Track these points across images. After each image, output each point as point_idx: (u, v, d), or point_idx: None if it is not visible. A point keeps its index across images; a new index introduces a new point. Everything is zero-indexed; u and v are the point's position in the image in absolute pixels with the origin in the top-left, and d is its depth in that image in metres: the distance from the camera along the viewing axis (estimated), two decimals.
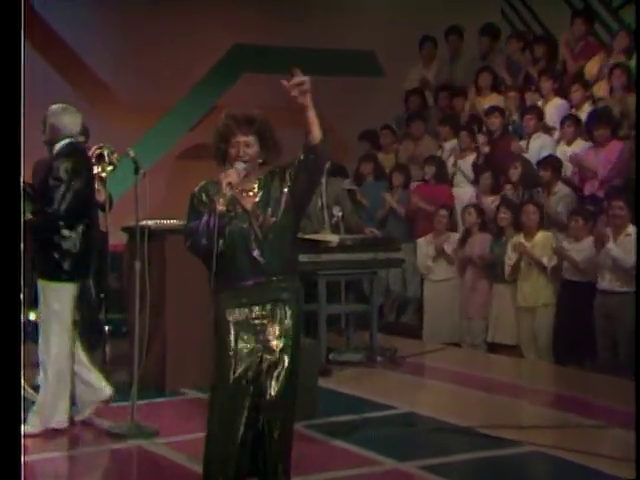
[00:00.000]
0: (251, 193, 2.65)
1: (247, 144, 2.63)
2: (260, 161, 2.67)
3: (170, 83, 7.00)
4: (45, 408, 3.63)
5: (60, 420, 3.66)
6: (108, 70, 6.97)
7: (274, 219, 2.60)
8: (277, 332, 2.59)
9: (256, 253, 2.58)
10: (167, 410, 4.09)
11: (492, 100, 6.47)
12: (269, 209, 2.61)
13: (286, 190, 2.63)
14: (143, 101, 7.02)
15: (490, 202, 5.86)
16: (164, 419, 3.90)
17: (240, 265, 2.59)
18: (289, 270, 2.64)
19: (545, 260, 5.23)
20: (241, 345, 2.57)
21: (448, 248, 5.83)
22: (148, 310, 3.72)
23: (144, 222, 3.87)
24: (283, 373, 2.57)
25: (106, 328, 4.45)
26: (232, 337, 2.59)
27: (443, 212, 5.95)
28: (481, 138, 6.25)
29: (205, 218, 2.55)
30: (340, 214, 5.14)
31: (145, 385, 3.91)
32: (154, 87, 6.98)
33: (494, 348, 5.57)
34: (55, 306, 3.63)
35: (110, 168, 4.26)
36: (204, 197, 2.62)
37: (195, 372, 4.08)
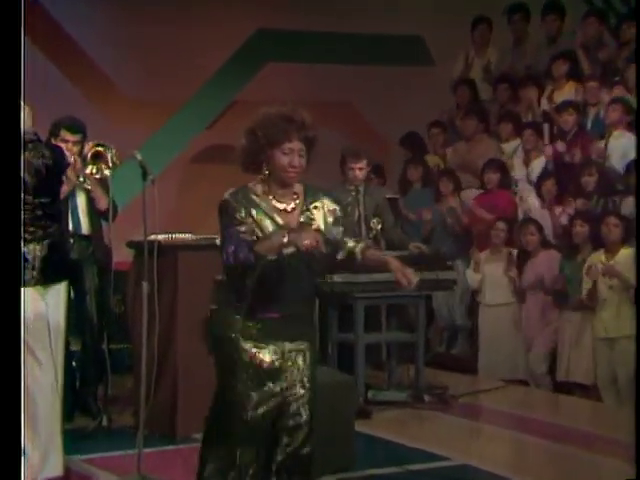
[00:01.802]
0: (289, 208, 2.63)
1: (301, 153, 2.60)
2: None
3: (183, 75, 7.03)
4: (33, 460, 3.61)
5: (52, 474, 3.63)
6: (110, 61, 7.01)
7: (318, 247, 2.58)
8: (298, 373, 2.61)
9: (291, 282, 2.58)
10: (179, 460, 4.02)
11: (566, 93, 6.33)
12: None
13: (328, 225, 2.64)
14: (152, 96, 7.06)
15: (558, 214, 5.76)
16: (175, 471, 3.84)
17: (270, 293, 2.60)
18: (312, 302, 2.69)
19: (632, 281, 5.09)
20: (258, 384, 2.59)
21: (509, 264, 5.73)
22: (157, 339, 3.71)
23: (153, 236, 3.87)
24: (304, 428, 2.55)
25: (108, 360, 4.43)
26: (247, 375, 2.59)
27: (501, 225, 5.87)
28: (550, 138, 6.15)
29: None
30: (379, 227, 5.11)
31: (153, 430, 3.91)
32: (164, 79, 7.01)
33: (565, 387, 5.45)
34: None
35: (108, 172, 4.27)
36: (243, 213, 2.58)
37: None
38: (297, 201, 2.66)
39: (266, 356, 2.61)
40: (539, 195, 5.94)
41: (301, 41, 7.48)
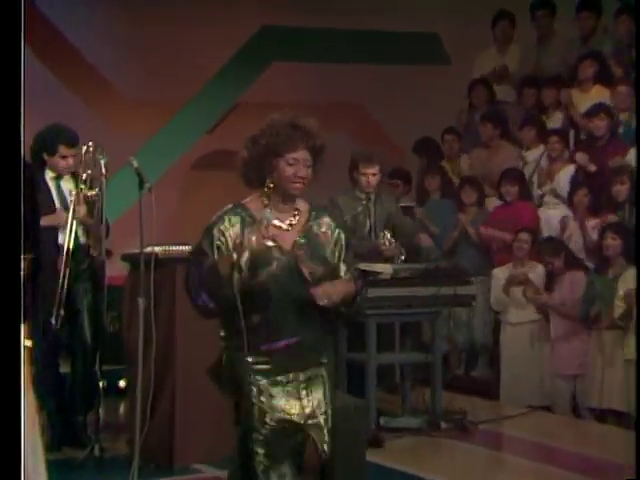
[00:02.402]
0: (285, 225, 2.61)
1: (307, 163, 2.59)
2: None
3: (182, 75, 7.03)
4: None
5: None
6: (107, 61, 7.02)
7: (321, 267, 2.58)
8: (316, 403, 2.60)
9: (285, 308, 2.56)
10: None
11: (593, 96, 6.25)
12: (313, 253, 2.60)
13: (325, 248, 2.65)
14: (150, 98, 7.07)
15: (591, 227, 5.68)
16: None
17: (266, 323, 2.58)
18: (324, 325, 2.65)
19: None
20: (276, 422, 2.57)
21: (534, 279, 5.66)
22: (153, 360, 3.66)
23: (149, 248, 3.86)
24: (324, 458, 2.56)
25: (101, 383, 4.40)
26: (260, 411, 2.59)
27: (524, 236, 5.80)
28: (575, 145, 6.09)
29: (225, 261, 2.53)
30: (392, 239, 5.03)
31: (148, 459, 3.86)
32: (163, 80, 7.03)
33: (596, 414, 5.37)
34: None
35: (92, 192, 4.26)
36: (227, 238, 2.56)
37: (211, 442, 4.03)
38: (296, 219, 2.64)
39: (279, 392, 2.57)
40: (570, 207, 5.85)
41: (308, 39, 7.47)
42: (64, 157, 4.44)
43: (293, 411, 2.59)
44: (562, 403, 5.54)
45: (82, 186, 4.33)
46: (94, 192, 4.31)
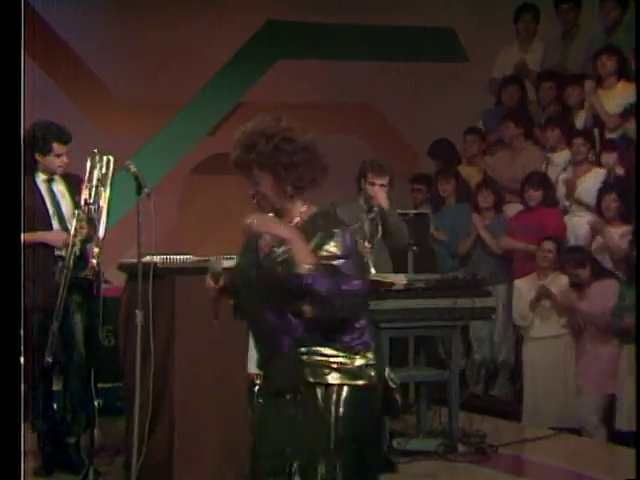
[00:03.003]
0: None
1: (258, 180, 2.65)
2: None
3: (182, 74, 7.05)
4: None
5: None
6: (101, 61, 7.03)
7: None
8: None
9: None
10: None
11: (621, 92, 6.21)
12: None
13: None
14: (147, 98, 7.08)
15: (619, 236, 5.66)
16: None
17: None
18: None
19: None
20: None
21: (557, 293, 5.65)
22: (152, 377, 3.66)
23: (148, 257, 3.87)
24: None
25: (96, 402, 4.39)
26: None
27: (549, 245, 5.79)
28: (601, 146, 6.05)
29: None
30: (369, 247, 4.88)
31: None
32: (161, 80, 7.04)
33: (626, 438, 5.26)
34: None
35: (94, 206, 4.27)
36: None
37: (214, 465, 4.02)
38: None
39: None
40: (599, 213, 5.81)
41: (316, 35, 7.48)
42: (58, 155, 4.40)
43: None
44: (590, 425, 5.50)
45: (85, 199, 4.29)
46: (98, 205, 4.28)
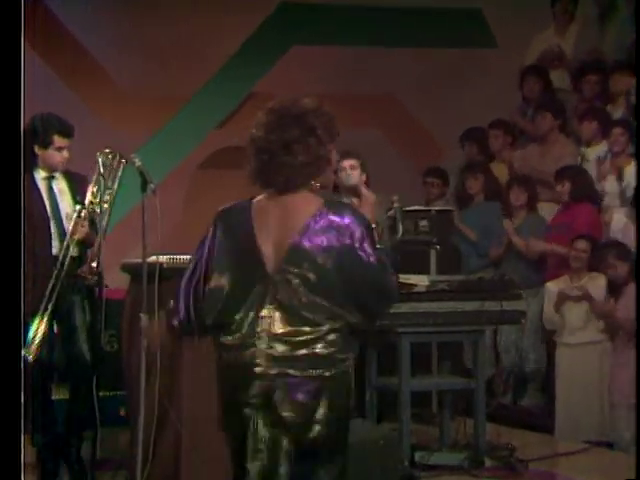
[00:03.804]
0: None
1: None
2: None
3: (190, 64, 7.11)
4: None
5: None
6: (105, 49, 7.08)
7: None
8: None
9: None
10: None
11: None
12: None
13: None
14: (152, 89, 7.15)
15: None
16: None
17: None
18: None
19: None
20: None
21: (595, 294, 5.65)
22: (157, 385, 3.71)
23: (153, 257, 3.90)
24: None
25: (97, 412, 4.44)
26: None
27: (582, 244, 5.78)
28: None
29: None
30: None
31: None
32: (167, 70, 7.10)
33: None
34: None
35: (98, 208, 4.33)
36: None
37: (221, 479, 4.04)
38: None
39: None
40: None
41: (333, 19, 7.49)
42: (59, 149, 4.41)
43: None
44: (626, 438, 5.45)
45: (89, 200, 4.33)
46: (101, 205, 4.33)
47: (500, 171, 6.73)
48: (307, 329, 2.65)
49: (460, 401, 5.22)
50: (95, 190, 4.36)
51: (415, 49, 7.56)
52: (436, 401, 5.36)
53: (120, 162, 4.34)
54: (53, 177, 4.49)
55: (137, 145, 6.38)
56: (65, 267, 4.28)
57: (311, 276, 2.64)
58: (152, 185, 3.73)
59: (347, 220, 2.68)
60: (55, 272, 4.26)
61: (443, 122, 7.35)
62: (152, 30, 7.06)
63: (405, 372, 4.83)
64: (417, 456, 4.88)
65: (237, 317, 2.69)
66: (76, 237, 4.33)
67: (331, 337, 2.66)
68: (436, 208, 5.66)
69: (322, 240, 2.65)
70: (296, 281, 2.64)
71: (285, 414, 2.65)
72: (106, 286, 4.55)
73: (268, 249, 2.69)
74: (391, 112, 7.68)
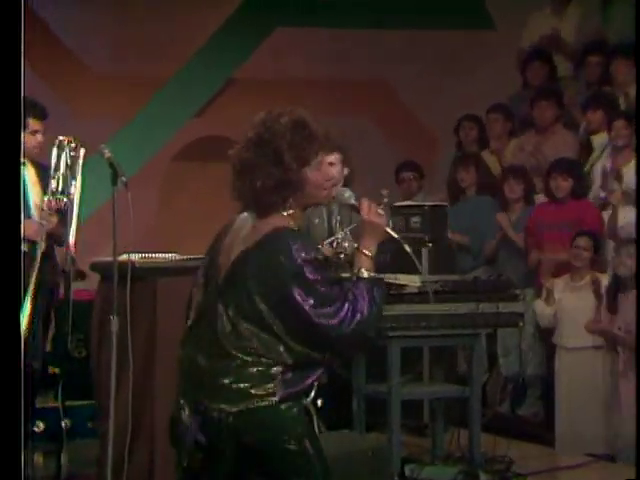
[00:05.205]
0: None
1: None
2: None
3: (165, 46, 7.11)
4: None
5: None
6: (72, 30, 7.07)
7: None
8: None
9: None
10: None
11: None
12: None
13: None
14: (123, 72, 7.14)
15: None
16: None
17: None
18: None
19: None
20: None
21: (599, 294, 5.66)
22: (130, 393, 3.72)
23: (125, 256, 3.90)
24: None
25: (63, 423, 4.45)
26: None
27: (583, 241, 5.78)
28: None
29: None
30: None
31: None
32: (139, 51, 7.09)
33: None
34: None
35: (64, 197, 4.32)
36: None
37: None
38: None
39: None
40: None
41: None
42: (34, 132, 4.48)
43: None
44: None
45: (53, 189, 4.36)
46: (68, 196, 4.34)
47: (492, 163, 6.76)
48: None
49: (453, 410, 5.22)
50: (56, 179, 4.38)
51: (408, 32, 7.56)
52: (427, 410, 5.38)
53: (77, 147, 4.36)
54: (24, 164, 4.52)
55: (108, 134, 6.37)
56: (36, 262, 4.29)
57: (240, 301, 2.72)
58: (124, 178, 3.73)
59: (283, 256, 2.66)
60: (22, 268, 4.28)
61: (438, 110, 7.37)
62: (125, 10, 7.05)
63: (395, 379, 4.83)
64: (408, 469, 4.89)
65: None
66: (44, 231, 4.34)
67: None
68: (429, 203, 5.65)
69: (252, 268, 2.70)
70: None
71: None
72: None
73: (223, 263, 2.78)
74: (381, 99, 7.69)
